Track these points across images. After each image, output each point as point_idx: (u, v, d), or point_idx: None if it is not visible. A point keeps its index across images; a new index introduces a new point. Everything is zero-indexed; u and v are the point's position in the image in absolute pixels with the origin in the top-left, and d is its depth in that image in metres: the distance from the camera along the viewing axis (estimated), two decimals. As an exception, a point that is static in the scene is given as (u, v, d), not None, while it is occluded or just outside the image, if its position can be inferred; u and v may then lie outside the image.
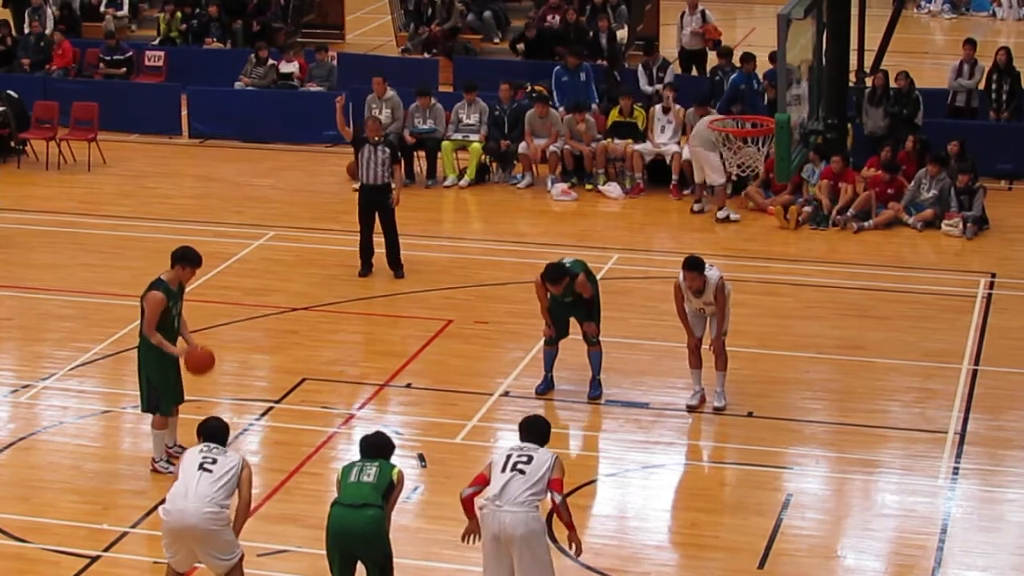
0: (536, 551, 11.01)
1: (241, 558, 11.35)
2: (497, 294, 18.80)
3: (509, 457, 11.15)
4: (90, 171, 24.23)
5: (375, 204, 18.87)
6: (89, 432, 15.11)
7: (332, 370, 16.48)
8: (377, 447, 11.43)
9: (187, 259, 13.76)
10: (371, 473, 11.16)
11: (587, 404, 15.57)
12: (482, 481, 11.18)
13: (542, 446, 11.29)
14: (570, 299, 15.45)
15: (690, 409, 15.38)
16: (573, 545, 11.32)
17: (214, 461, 11.24)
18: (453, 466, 14.16)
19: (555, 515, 11.21)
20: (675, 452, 14.70)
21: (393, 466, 11.29)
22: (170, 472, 13.82)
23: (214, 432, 11.51)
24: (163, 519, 11.19)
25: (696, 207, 21.97)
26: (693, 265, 14.98)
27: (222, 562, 11.25)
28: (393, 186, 18.95)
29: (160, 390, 13.80)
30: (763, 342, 17.25)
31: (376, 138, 18.92)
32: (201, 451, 11.34)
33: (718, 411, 15.29)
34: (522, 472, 11.01)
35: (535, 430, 11.41)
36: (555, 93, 24.86)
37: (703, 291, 15.03)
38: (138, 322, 17.18)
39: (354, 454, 14.53)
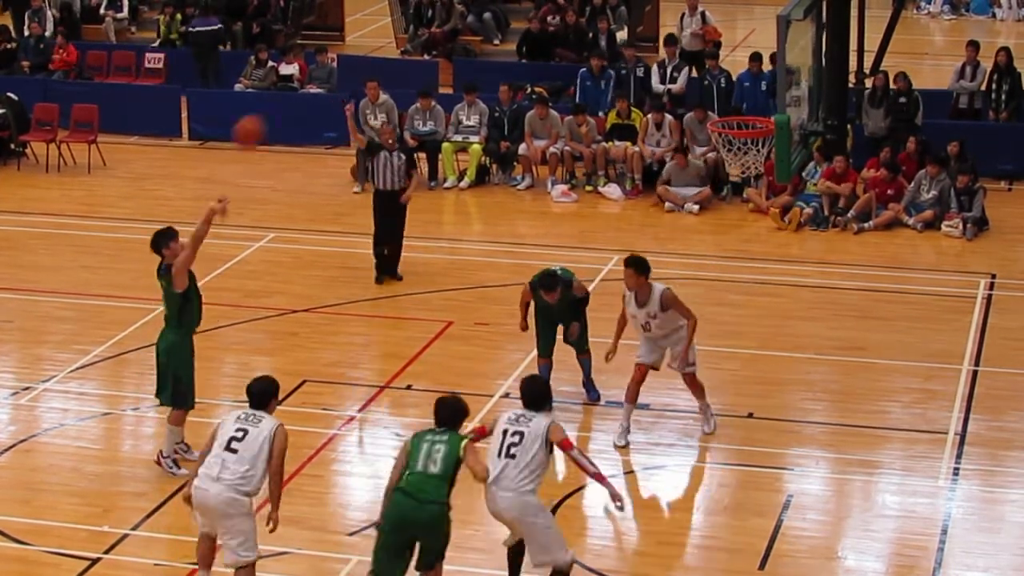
0: (535, 522, 11.27)
1: (253, 563, 11.38)
2: (497, 295, 18.79)
3: (504, 436, 11.32)
4: (90, 173, 24.24)
5: (391, 209, 18.78)
6: (90, 434, 15.11)
7: (333, 372, 16.48)
8: (451, 414, 11.40)
9: (165, 236, 13.69)
10: (438, 459, 11.08)
11: (587, 406, 15.56)
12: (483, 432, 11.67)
13: (540, 411, 11.46)
14: (562, 306, 15.15)
15: (618, 448, 14.59)
16: (615, 501, 11.61)
17: (243, 437, 11.30)
18: (453, 468, 14.15)
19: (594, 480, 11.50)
20: (675, 453, 14.68)
21: (461, 439, 11.25)
22: (173, 474, 13.83)
23: (255, 396, 11.62)
24: (192, 492, 11.37)
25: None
26: (630, 262, 14.19)
27: (233, 554, 11.31)
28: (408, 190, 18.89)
29: (187, 384, 13.85)
30: (763, 343, 17.25)
31: (391, 142, 18.83)
32: (237, 420, 11.43)
33: (708, 435, 14.81)
34: (513, 456, 11.21)
35: (528, 395, 11.61)
36: (578, 94, 24.90)
37: (648, 301, 14.22)
38: (139, 324, 17.25)
39: (354, 457, 14.59)
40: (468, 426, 12.03)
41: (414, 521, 11.02)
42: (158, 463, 13.98)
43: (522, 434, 11.29)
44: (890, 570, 12.70)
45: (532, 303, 15.30)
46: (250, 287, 19.11)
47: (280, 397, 15.51)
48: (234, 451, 11.27)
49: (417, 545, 11.13)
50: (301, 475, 13.99)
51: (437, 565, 11.21)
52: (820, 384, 16.43)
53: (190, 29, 28.95)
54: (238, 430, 11.35)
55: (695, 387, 14.73)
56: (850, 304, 18.62)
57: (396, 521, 11.07)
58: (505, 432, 11.35)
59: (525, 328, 15.56)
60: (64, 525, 13.15)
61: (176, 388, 13.84)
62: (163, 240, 13.74)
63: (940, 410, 15.53)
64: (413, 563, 11.17)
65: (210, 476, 11.25)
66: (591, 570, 12.42)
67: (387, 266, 19.07)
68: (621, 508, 11.81)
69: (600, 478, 11.44)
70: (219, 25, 28.88)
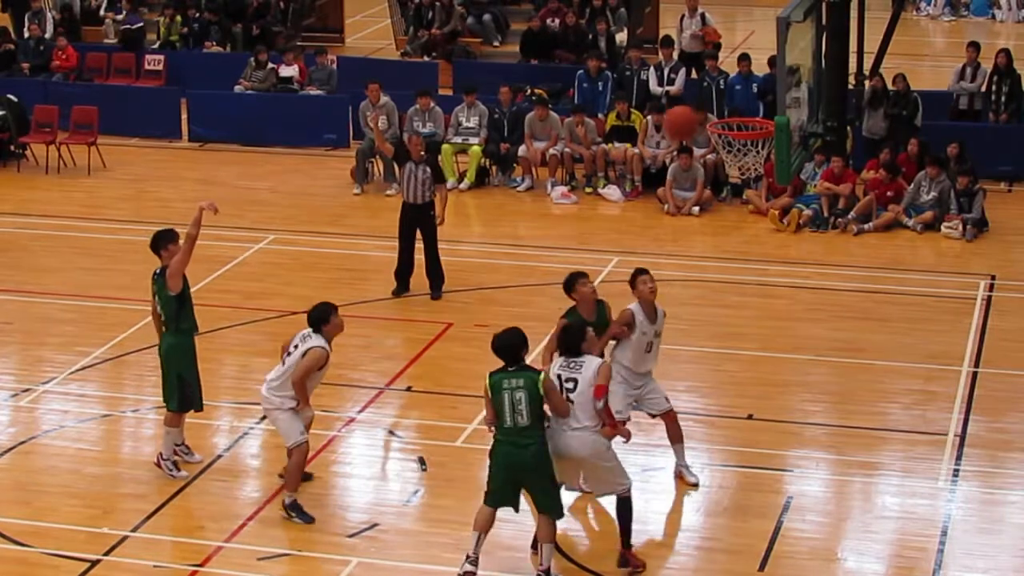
0: (603, 460, 12.21)
1: (298, 446, 13.03)
2: (497, 297, 18.80)
3: (560, 382, 12.06)
4: (90, 175, 24.25)
5: (417, 222, 18.58)
6: (89, 436, 15.10)
7: (332, 373, 16.34)
8: (509, 350, 12.16)
9: (164, 238, 13.85)
10: (523, 410, 11.85)
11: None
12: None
13: (581, 355, 12.11)
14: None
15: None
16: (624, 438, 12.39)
17: (293, 351, 13.07)
18: (453, 469, 14.16)
19: None
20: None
21: (536, 378, 11.91)
22: (173, 476, 13.84)
23: (311, 320, 13.18)
24: None
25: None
26: (646, 271, 13.54)
27: (284, 438, 13.20)
28: (436, 205, 18.46)
29: (193, 385, 13.92)
30: (763, 344, 17.26)
31: (420, 154, 18.51)
32: (298, 336, 13.15)
33: (696, 487, 13.91)
34: (572, 403, 12.02)
35: (567, 343, 12.26)
36: (576, 95, 24.91)
37: (656, 317, 13.47)
38: (139, 326, 17.25)
39: (354, 458, 14.59)
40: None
41: (520, 465, 11.94)
42: (158, 465, 13.98)
43: (576, 380, 12.03)
44: (890, 571, 12.69)
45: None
46: (250, 289, 19.11)
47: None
48: (283, 363, 13.07)
49: (528, 489, 12.13)
50: (301, 477, 14.00)
51: (552, 510, 12.07)
52: (820, 385, 16.43)
53: (120, 26, 30.15)
54: (294, 345, 13.10)
55: (677, 426, 13.88)
56: (850, 305, 18.63)
57: (504, 467, 12.04)
58: (559, 378, 12.07)
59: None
60: (64, 527, 13.15)
61: (181, 390, 13.86)
62: (162, 241, 13.81)
63: (940, 411, 15.53)
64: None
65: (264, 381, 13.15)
66: (591, 571, 12.44)
67: (407, 284, 18.87)
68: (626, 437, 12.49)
69: (612, 425, 12.17)
70: (142, 23, 30.16)
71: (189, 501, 13.67)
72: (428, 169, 18.47)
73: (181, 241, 13.71)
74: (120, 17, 30.87)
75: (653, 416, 13.90)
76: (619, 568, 12.46)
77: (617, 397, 13.27)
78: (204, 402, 14.16)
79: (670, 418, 13.86)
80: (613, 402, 13.11)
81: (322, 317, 13.12)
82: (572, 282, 13.42)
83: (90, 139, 24.52)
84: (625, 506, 12.44)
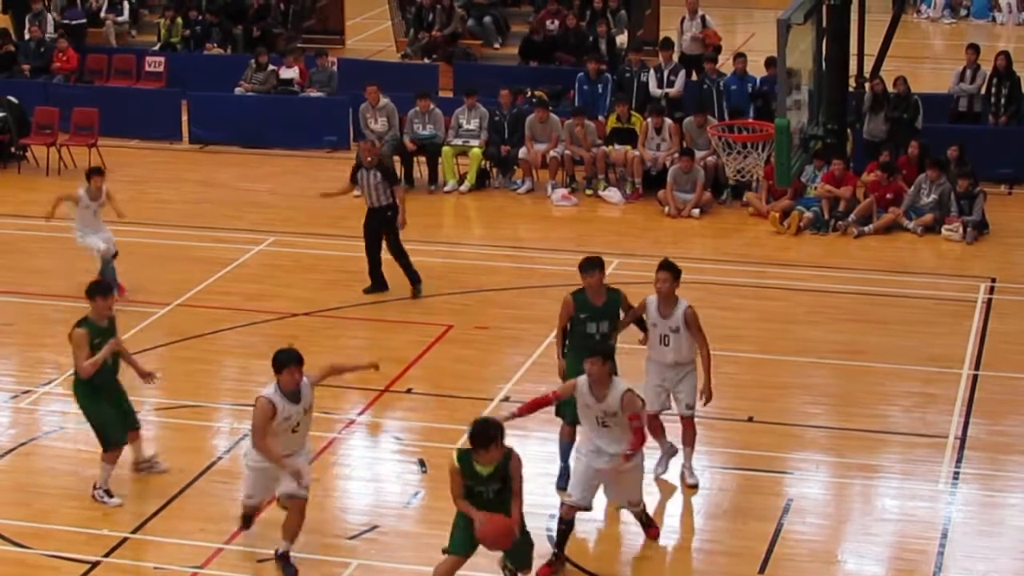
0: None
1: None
2: (497, 299, 18.81)
3: None
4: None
5: (380, 225, 18.64)
6: (89, 438, 15.00)
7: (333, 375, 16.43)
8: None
9: (96, 291, 13.64)
10: None
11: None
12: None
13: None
14: (606, 333, 13.35)
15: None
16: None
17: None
18: (453, 471, 14.15)
19: None
20: (675, 457, 14.66)
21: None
22: (105, 503, 13.57)
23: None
24: None
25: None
26: (667, 266, 13.43)
27: None
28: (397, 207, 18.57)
29: (104, 423, 13.54)
30: (763, 347, 17.26)
31: (368, 160, 18.57)
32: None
33: (693, 488, 13.92)
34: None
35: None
36: (576, 98, 24.92)
37: (672, 314, 13.43)
38: (139, 328, 17.28)
39: (354, 460, 14.61)
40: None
41: None
42: (92, 496, 13.69)
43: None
44: (890, 574, 12.69)
45: (570, 327, 13.49)
46: (250, 291, 19.11)
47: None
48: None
49: None
50: (301, 479, 14.00)
51: None
52: (820, 388, 16.43)
53: (63, 20, 30.17)
54: None
55: (692, 432, 13.74)
56: (850, 308, 18.63)
57: None
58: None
59: (563, 367, 13.45)
60: (63, 528, 13.16)
61: (96, 431, 13.60)
62: (91, 293, 13.62)
63: (940, 414, 15.53)
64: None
65: None
66: (592, 574, 12.43)
67: (380, 282, 18.93)
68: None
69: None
70: (85, 19, 30.37)
71: (188, 503, 13.67)
72: (379, 173, 18.52)
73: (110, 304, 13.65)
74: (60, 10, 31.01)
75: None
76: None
77: (652, 397, 13.50)
78: (207, 404, 14.09)
79: (686, 423, 13.79)
80: (641, 392, 13.20)
81: (275, 365, 12.51)
82: (580, 268, 13.44)
83: (90, 141, 24.52)
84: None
